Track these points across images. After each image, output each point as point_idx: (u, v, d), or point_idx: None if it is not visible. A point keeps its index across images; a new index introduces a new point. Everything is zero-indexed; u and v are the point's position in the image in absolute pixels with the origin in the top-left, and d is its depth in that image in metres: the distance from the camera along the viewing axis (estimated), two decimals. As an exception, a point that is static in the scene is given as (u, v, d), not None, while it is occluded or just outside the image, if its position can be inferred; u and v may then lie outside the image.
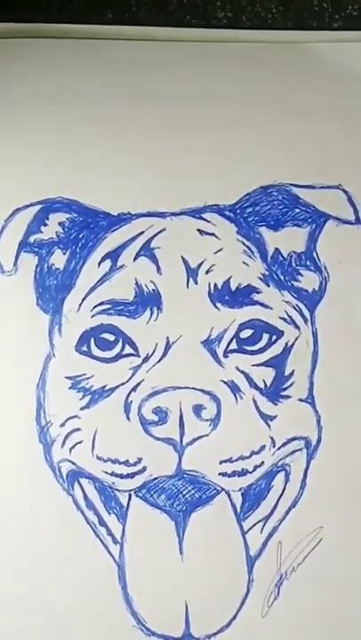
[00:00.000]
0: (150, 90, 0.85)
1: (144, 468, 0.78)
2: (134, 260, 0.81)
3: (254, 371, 0.80)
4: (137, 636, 0.78)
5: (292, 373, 0.80)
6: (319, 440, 0.80)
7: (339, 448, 0.80)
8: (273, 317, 0.81)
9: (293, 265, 0.82)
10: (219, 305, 0.80)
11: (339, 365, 0.81)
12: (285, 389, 0.80)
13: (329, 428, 0.80)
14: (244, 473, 0.78)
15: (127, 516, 0.79)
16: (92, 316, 0.81)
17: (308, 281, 0.82)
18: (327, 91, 0.85)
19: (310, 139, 0.85)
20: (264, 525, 0.79)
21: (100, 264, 0.82)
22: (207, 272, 0.81)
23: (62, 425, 0.80)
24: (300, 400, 0.80)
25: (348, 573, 0.79)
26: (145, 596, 0.78)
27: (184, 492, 0.78)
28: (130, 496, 0.79)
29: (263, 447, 0.79)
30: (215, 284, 0.80)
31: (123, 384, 0.79)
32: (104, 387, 0.80)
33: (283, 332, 0.81)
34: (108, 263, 0.82)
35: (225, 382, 0.78)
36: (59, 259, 0.82)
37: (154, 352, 0.79)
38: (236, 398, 0.78)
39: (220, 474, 0.77)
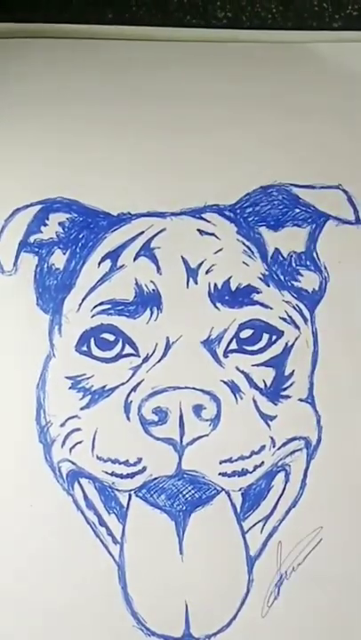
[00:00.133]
0: (150, 90, 0.85)
1: (144, 468, 0.78)
2: (134, 260, 0.81)
3: (254, 371, 0.80)
4: (137, 636, 0.78)
5: (292, 373, 0.80)
6: (319, 440, 0.80)
7: (339, 448, 0.80)
8: (273, 317, 0.81)
9: (293, 265, 0.82)
10: (219, 305, 0.80)
11: (339, 365, 0.81)
12: (285, 389, 0.80)
13: (329, 427, 0.80)
14: (244, 473, 0.78)
15: (127, 515, 0.79)
16: (92, 316, 0.81)
17: (308, 281, 0.82)
18: (327, 91, 0.85)
19: (310, 139, 0.85)
20: (264, 525, 0.79)
21: (100, 264, 0.82)
22: (207, 272, 0.81)
23: (62, 425, 0.80)
24: (300, 400, 0.80)
25: (348, 573, 0.79)
26: (145, 596, 0.78)
27: (184, 492, 0.78)
28: (130, 496, 0.79)
29: (263, 447, 0.79)
30: (215, 284, 0.80)
31: (123, 384, 0.79)
32: (104, 387, 0.80)
33: (283, 331, 0.81)
34: (108, 263, 0.82)
35: (225, 382, 0.79)
36: (59, 259, 0.82)
37: (154, 352, 0.79)
38: (236, 398, 0.78)
39: (220, 474, 0.77)
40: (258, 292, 0.81)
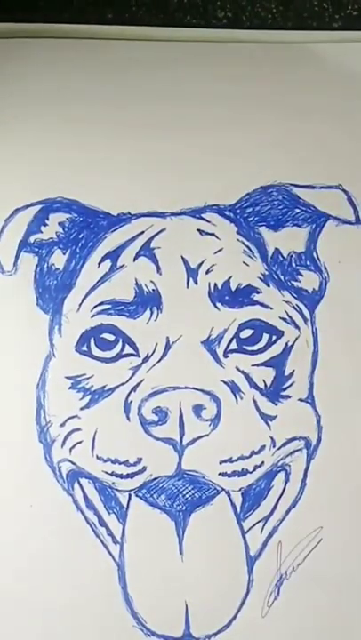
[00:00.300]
0: (150, 90, 0.85)
1: (144, 468, 0.78)
2: (134, 260, 0.81)
3: (254, 371, 0.80)
4: (137, 636, 0.78)
5: (292, 373, 0.80)
6: (319, 440, 0.80)
7: (339, 448, 0.80)
8: (273, 317, 0.81)
9: (293, 265, 0.82)
10: (219, 305, 0.80)
11: (339, 365, 0.81)
12: (285, 389, 0.80)
13: (329, 428, 0.80)
14: (244, 473, 0.78)
15: (127, 515, 0.79)
16: (92, 316, 0.81)
17: (308, 281, 0.82)
18: (327, 91, 0.85)
19: (310, 139, 0.85)
20: (264, 525, 0.79)
21: (100, 264, 0.82)
22: (207, 272, 0.81)
23: (62, 425, 0.80)
24: (300, 400, 0.80)
25: (348, 573, 0.79)
26: (145, 596, 0.78)
27: (184, 492, 0.78)
28: (130, 496, 0.79)
29: (263, 447, 0.79)
30: (215, 284, 0.80)
31: (123, 384, 0.79)
32: (104, 387, 0.80)
33: (283, 332, 0.81)
34: (108, 263, 0.82)
35: (225, 382, 0.79)
36: (59, 259, 0.82)
37: (154, 352, 0.79)
38: (236, 398, 0.78)
39: (220, 474, 0.77)
40: (258, 292, 0.81)
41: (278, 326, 0.81)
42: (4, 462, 0.80)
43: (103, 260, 0.82)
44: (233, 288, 0.80)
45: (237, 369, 0.79)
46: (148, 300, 0.80)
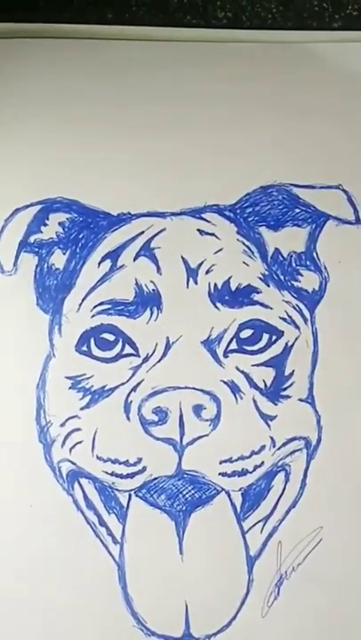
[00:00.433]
0: (150, 90, 0.85)
1: (144, 468, 0.78)
2: (134, 260, 0.81)
3: (254, 371, 0.80)
4: (137, 636, 0.78)
5: (292, 373, 0.80)
6: (319, 440, 0.80)
7: (339, 448, 0.80)
8: (273, 317, 0.81)
9: (293, 265, 0.82)
10: (219, 305, 0.80)
11: (339, 365, 0.81)
12: (285, 389, 0.80)
13: (329, 428, 0.80)
14: (244, 473, 0.78)
15: (127, 515, 0.79)
16: (92, 316, 0.81)
17: (308, 281, 0.82)
18: (327, 91, 0.85)
19: (310, 139, 0.84)
20: (264, 525, 0.79)
21: (100, 264, 0.82)
22: (207, 272, 0.81)
23: (62, 425, 0.80)
24: (300, 400, 0.80)
25: (348, 573, 0.79)
26: (145, 596, 0.78)
27: (184, 492, 0.78)
28: (130, 496, 0.79)
29: (263, 447, 0.79)
30: (215, 284, 0.80)
31: (123, 384, 0.79)
32: (104, 387, 0.80)
33: (283, 332, 0.81)
34: (108, 263, 0.82)
35: (225, 382, 0.79)
36: (59, 259, 0.82)
37: (154, 352, 0.79)
38: (236, 398, 0.78)
39: (220, 474, 0.77)
40: (258, 292, 0.81)
41: (278, 326, 0.81)
42: (4, 462, 0.80)
43: (103, 260, 0.82)
44: (233, 288, 0.80)
45: (237, 369, 0.79)
46: (148, 300, 0.80)
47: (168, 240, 0.82)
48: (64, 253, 0.82)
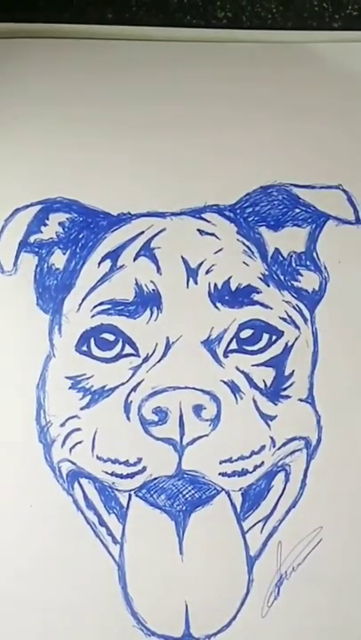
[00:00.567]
0: (150, 90, 0.85)
1: (144, 468, 0.78)
2: (134, 260, 0.81)
3: (254, 371, 0.80)
4: (137, 636, 0.78)
5: (292, 373, 0.80)
6: (319, 440, 0.80)
7: (339, 448, 0.80)
8: (273, 317, 0.81)
9: (293, 265, 0.82)
10: (219, 305, 0.80)
11: (339, 365, 0.81)
12: (285, 389, 0.80)
13: (329, 428, 0.80)
14: (244, 473, 0.78)
15: (127, 515, 0.79)
16: (92, 316, 0.81)
17: (308, 281, 0.82)
18: (327, 91, 0.85)
19: (310, 139, 0.84)
20: (264, 525, 0.79)
21: (100, 264, 0.82)
22: (207, 272, 0.81)
23: (62, 425, 0.80)
24: (300, 400, 0.80)
25: (348, 573, 0.79)
26: (145, 595, 0.78)
27: (184, 492, 0.78)
28: (130, 496, 0.79)
29: (263, 447, 0.79)
30: (215, 284, 0.80)
31: (123, 384, 0.79)
32: (104, 387, 0.80)
33: (283, 332, 0.81)
34: (108, 263, 0.82)
35: (225, 382, 0.79)
36: (59, 259, 0.82)
37: (154, 352, 0.79)
38: (236, 398, 0.78)
39: (220, 474, 0.77)
40: (258, 292, 0.81)
41: (278, 326, 0.81)
42: (4, 462, 0.80)
43: (103, 260, 0.82)
44: (233, 288, 0.80)
45: (237, 369, 0.79)
46: (148, 300, 0.80)
47: (168, 240, 0.82)
48: (64, 253, 0.82)
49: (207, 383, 0.78)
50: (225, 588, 0.78)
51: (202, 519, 0.78)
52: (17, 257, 0.82)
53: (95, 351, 0.80)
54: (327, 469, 0.80)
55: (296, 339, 0.81)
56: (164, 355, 0.79)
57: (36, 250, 0.82)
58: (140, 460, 0.78)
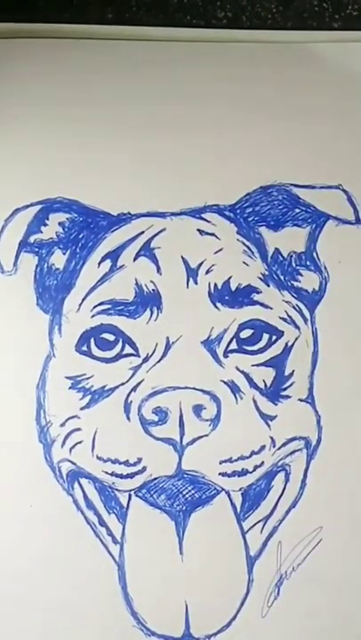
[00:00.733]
0: (150, 90, 0.85)
1: (144, 468, 0.78)
2: (134, 260, 0.81)
3: (254, 371, 0.80)
4: (137, 636, 0.78)
5: (292, 373, 0.80)
6: (319, 440, 0.80)
7: (339, 448, 0.80)
8: (273, 317, 0.81)
9: (293, 265, 0.82)
10: (219, 305, 0.80)
11: (339, 365, 0.81)
12: (285, 389, 0.80)
13: (329, 428, 0.80)
14: (244, 473, 0.78)
15: (127, 515, 0.79)
16: (92, 316, 0.81)
17: (308, 281, 0.82)
18: (327, 91, 0.85)
19: (310, 139, 0.85)
20: (264, 525, 0.79)
21: (100, 264, 0.82)
22: (207, 272, 0.81)
23: (62, 425, 0.80)
24: (300, 400, 0.80)
25: (348, 573, 0.79)
26: (145, 596, 0.78)
27: (184, 492, 0.78)
28: (130, 496, 0.79)
29: (263, 447, 0.79)
30: (215, 284, 0.80)
31: (123, 384, 0.79)
32: (104, 387, 0.80)
33: (283, 332, 0.81)
34: (108, 263, 0.82)
35: (225, 382, 0.79)
36: (59, 259, 0.82)
37: (154, 352, 0.79)
38: (236, 398, 0.78)
39: (220, 474, 0.77)
40: (258, 292, 0.81)
41: (278, 326, 0.81)
42: (4, 462, 0.80)
43: (103, 260, 0.82)
44: (233, 288, 0.80)
45: (237, 369, 0.79)
46: (148, 300, 0.80)
47: (168, 240, 0.82)
48: (64, 253, 0.82)
49: (207, 383, 0.78)
50: (225, 587, 0.78)
51: (202, 519, 0.78)
52: (17, 257, 0.82)
53: (95, 351, 0.80)
54: (327, 469, 0.80)
55: (296, 339, 0.81)
56: (164, 355, 0.79)
57: (36, 250, 0.82)
58: (140, 460, 0.78)
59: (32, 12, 0.87)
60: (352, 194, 0.83)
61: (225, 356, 0.79)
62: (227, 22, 0.88)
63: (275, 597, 0.78)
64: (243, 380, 0.79)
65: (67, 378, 0.80)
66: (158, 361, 0.79)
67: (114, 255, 0.82)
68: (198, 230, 0.82)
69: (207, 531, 0.78)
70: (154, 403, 0.77)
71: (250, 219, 0.83)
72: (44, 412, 0.80)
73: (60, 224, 0.83)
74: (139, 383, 0.78)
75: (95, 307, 0.81)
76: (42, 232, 0.82)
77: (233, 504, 0.78)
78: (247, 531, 0.79)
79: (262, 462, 0.78)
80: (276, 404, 0.80)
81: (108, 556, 0.79)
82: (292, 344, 0.81)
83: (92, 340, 0.80)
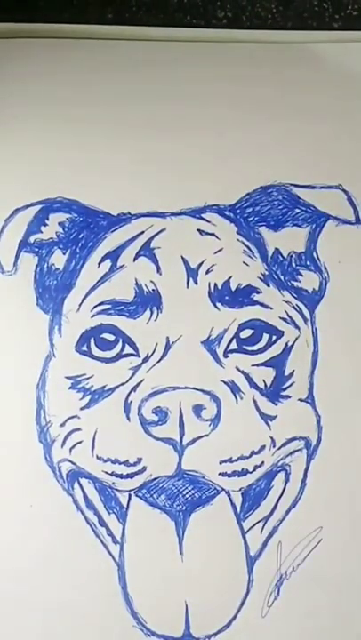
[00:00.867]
0: (150, 90, 0.85)
1: (144, 468, 0.78)
2: (134, 260, 0.81)
3: (254, 371, 0.80)
4: (137, 636, 0.78)
5: (292, 373, 0.80)
6: (319, 440, 0.80)
7: (339, 448, 0.80)
8: (273, 317, 0.81)
9: (293, 265, 0.82)
10: (219, 305, 0.80)
11: (339, 365, 0.81)
12: (285, 389, 0.80)
13: (329, 428, 0.80)
14: (244, 473, 0.78)
15: (127, 515, 0.79)
16: (92, 316, 0.81)
17: (308, 281, 0.82)
18: (327, 91, 0.85)
19: (310, 139, 0.85)
20: (264, 525, 0.79)
21: (100, 264, 0.82)
22: (207, 272, 0.81)
23: (62, 425, 0.80)
24: (300, 400, 0.80)
25: (348, 573, 0.79)
26: (145, 596, 0.78)
27: (184, 492, 0.78)
28: (130, 496, 0.79)
29: (263, 447, 0.79)
30: (215, 284, 0.80)
31: (123, 384, 0.79)
32: (104, 387, 0.80)
33: (283, 332, 0.81)
34: (108, 263, 0.82)
35: (225, 382, 0.79)
36: (59, 259, 0.82)
37: (154, 352, 0.79)
38: (236, 398, 0.78)
39: (220, 474, 0.77)
40: (258, 292, 0.81)
41: (278, 326, 0.81)
42: (4, 462, 0.80)
43: (103, 260, 0.82)
44: (233, 288, 0.80)
45: (237, 369, 0.79)
46: (148, 300, 0.80)
47: (168, 240, 0.82)
48: (64, 253, 0.82)
49: (207, 383, 0.78)
50: (225, 588, 0.78)
51: (202, 519, 0.78)
52: (17, 257, 0.82)
53: (95, 351, 0.80)
54: (327, 469, 0.80)
55: (296, 339, 0.81)
56: (164, 355, 0.79)
57: (36, 250, 0.82)
58: (140, 460, 0.78)
59: (32, 12, 0.87)
60: (352, 194, 0.83)
61: (225, 355, 0.79)
62: (227, 22, 0.88)
63: (275, 597, 0.78)
64: (243, 379, 0.79)
65: (67, 378, 0.80)
66: (158, 361, 0.79)
67: (114, 255, 0.82)
68: (198, 230, 0.82)
69: (207, 531, 0.78)
70: (154, 403, 0.77)
71: (250, 219, 0.83)
72: (44, 412, 0.80)
73: (60, 224, 0.83)
74: (139, 383, 0.78)
75: (95, 307, 0.81)
76: (42, 232, 0.82)
77: (233, 504, 0.78)
78: (247, 531, 0.79)
79: (262, 462, 0.78)
80: (276, 404, 0.80)
81: (108, 556, 0.79)
82: (292, 344, 0.81)
83: (92, 340, 0.80)
